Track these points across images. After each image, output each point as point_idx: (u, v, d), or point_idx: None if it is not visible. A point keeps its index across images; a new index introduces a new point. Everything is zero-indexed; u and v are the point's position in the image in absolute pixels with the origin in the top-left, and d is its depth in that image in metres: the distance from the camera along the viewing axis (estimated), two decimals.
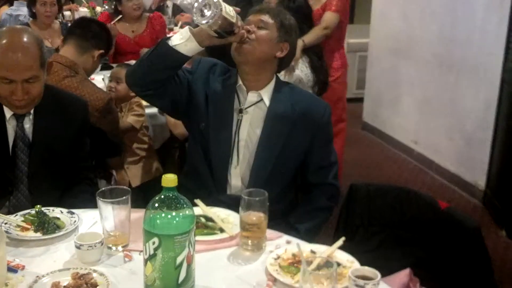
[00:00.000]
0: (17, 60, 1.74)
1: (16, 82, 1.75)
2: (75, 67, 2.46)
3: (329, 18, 3.56)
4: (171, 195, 1.29)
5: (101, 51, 2.58)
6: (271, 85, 1.98)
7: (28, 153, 1.90)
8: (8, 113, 1.88)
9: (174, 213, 1.28)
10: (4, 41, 1.76)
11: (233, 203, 1.76)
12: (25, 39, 1.78)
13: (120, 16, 4.18)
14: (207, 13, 1.68)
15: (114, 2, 4.38)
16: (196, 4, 1.70)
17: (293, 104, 1.96)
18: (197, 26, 1.78)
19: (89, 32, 2.56)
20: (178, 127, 2.68)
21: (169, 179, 1.29)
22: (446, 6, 4.32)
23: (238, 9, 1.81)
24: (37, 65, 1.78)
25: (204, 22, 1.70)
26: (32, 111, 1.90)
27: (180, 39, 1.79)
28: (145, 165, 2.88)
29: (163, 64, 1.83)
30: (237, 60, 1.93)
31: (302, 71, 2.73)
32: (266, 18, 1.92)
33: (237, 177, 1.97)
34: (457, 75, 4.23)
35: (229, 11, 1.74)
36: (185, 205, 1.30)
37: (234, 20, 1.75)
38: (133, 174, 2.82)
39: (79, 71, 2.47)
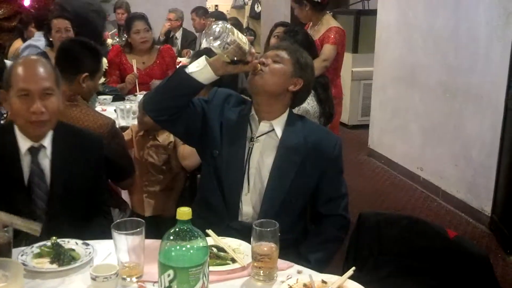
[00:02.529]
0: (34, 72, 1.89)
1: (33, 95, 1.85)
2: (72, 97, 2.43)
3: (328, 50, 3.73)
4: (185, 227, 1.33)
5: (85, 74, 2.48)
6: (283, 117, 2.03)
7: (45, 189, 1.92)
8: (23, 146, 1.90)
9: (188, 246, 1.31)
10: (21, 62, 1.95)
11: (244, 230, 1.80)
12: (40, 60, 1.96)
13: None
14: (220, 37, 1.75)
15: (125, 35, 4.45)
16: (209, 30, 1.77)
17: (305, 137, 2.00)
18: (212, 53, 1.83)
19: (68, 59, 2.51)
20: (186, 158, 2.69)
21: (184, 213, 1.33)
22: (449, 34, 4.38)
23: (251, 37, 1.88)
24: (52, 79, 1.91)
25: (216, 45, 1.76)
26: (50, 147, 1.93)
27: (197, 67, 1.87)
28: (161, 197, 2.86)
29: (180, 90, 1.90)
30: (251, 90, 2.01)
31: (308, 103, 2.79)
32: (283, 54, 2.00)
33: (248, 204, 2.00)
34: (461, 102, 4.26)
35: (242, 37, 1.80)
36: (199, 238, 1.33)
37: (246, 47, 1.81)
38: (149, 204, 2.82)
39: (77, 100, 2.45)
